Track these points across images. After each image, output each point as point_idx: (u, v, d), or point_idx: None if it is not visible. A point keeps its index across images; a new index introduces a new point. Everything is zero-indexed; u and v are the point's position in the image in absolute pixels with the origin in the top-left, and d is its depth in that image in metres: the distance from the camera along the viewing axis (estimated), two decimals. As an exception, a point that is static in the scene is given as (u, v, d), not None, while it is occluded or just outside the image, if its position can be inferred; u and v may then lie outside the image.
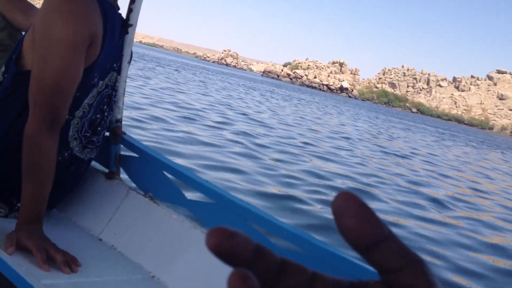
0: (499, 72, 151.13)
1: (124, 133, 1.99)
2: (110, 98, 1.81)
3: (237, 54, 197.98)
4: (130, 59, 1.92)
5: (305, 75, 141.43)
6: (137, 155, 1.97)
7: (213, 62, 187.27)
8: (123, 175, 2.04)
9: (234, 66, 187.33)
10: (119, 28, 1.78)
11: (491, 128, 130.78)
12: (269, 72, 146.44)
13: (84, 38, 1.53)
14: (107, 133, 1.95)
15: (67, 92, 1.53)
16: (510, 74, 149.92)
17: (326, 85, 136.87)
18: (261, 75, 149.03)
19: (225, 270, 1.59)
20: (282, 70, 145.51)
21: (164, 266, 1.65)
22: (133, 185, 1.98)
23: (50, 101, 1.49)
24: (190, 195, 1.91)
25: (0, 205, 1.67)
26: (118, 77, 1.84)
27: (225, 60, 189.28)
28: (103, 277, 1.49)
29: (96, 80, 1.69)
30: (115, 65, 1.80)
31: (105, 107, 1.79)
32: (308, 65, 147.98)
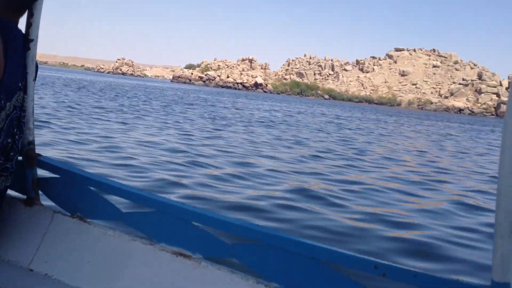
0: (397, 50, 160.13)
1: (39, 155, 1.88)
2: (20, 120, 1.70)
3: (132, 62, 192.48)
4: (35, 76, 1.82)
5: (218, 75, 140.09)
6: (58, 176, 1.87)
7: (108, 72, 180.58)
8: (45, 200, 1.93)
9: (131, 74, 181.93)
10: (20, 45, 1.68)
11: (399, 104, 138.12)
12: (179, 77, 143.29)
13: None
14: (19, 158, 1.83)
15: None
16: (407, 50, 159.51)
17: (241, 83, 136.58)
18: (171, 81, 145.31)
19: (175, 278, 1.56)
20: (192, 74, 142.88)
21: (108, 285, 1.60)
22: (58, 208, 1.88)
23: None
24: (124, 207, 1.81)
25: None
26: (25, 96, 1.73)
27: (121, 69, 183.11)
28: None
29: (3, 102, 1.58)
30: (20, 84, 1.69)
31: (16, 130, 1.69)
32: (218, 65, 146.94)
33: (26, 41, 1.74)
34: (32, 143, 1.87)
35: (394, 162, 11.72)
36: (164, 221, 1.66)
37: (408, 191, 7.75)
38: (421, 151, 15.61)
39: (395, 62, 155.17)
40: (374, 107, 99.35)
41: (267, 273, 1.51)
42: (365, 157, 12.05)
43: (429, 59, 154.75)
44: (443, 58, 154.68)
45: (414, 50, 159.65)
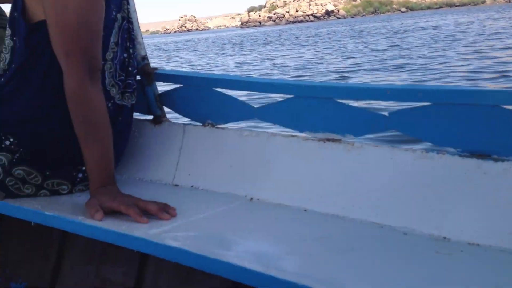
0: None
1: (156, 68, 1.80)
2: (130, 32, 1.63)
3: (194, 17, 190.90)
4: None
5: (287, 12, 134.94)
6: (181, 85, 1.76)
7: (175, 32, 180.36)
8: (171, 114, 1.86)
9: (196, 30, 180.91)
10: None
11: (483, 2, 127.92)
12: (247, 22, 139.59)
13: None
14: (137, 77, 1.75)
15: (96, 29, 1.40)
16: None
17: (311, 14, 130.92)
18: (240, 27, 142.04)
19: (327, 166, 1.47)
20: (259, 16, 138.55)
21: (258, 186, 1.54)
22: (187, 120, 1.80)
23: (82, 44, 1.35)
24: (256, 103, 1.71)
25: (60, 182, 1.52)
26: (128, 6, 1.63)
27: (185, 27, 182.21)
28: (204, 213, 1.42)
29: (114, 13, 1.54)
30: None
31: (128, 43, 1.63)
32: (284, 1, 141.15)
33: None
34: (145, 58, 1.78)
35: None
36: (303, 106, 1.50)
37: None
38: None
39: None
40: (460, 10, 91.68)
41: (439, 138, 1.31)
42: None
43: None
44: None
45: None
